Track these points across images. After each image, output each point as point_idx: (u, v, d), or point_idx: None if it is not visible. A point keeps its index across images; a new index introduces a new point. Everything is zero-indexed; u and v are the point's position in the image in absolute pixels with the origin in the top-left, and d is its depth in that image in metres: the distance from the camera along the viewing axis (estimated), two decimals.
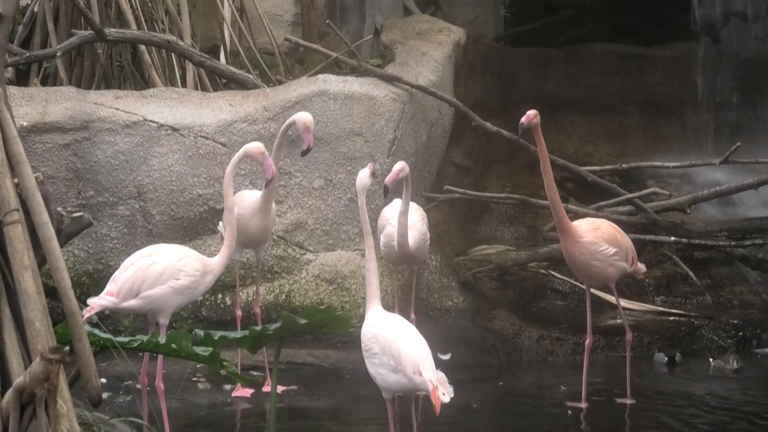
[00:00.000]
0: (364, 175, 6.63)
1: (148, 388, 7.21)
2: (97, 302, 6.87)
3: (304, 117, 7.98)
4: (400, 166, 7.44)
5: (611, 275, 8.28)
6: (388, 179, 7.27)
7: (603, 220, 8.59)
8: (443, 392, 5.88)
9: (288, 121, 8.07)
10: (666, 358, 9.76)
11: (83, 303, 8.36)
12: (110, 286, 6.95)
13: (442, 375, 6.01)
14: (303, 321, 5.61)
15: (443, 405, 5.89)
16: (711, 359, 9.25)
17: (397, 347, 6.06)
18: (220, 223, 8.60)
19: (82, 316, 5.13)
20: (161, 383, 6.98)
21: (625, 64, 13.20)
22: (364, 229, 6.62)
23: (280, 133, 8.14)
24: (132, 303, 6.90)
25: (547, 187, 7.95)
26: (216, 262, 7.03)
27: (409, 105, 9.82)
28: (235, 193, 7.68)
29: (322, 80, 9.64)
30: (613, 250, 8.19)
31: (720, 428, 7.99)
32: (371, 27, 11.84)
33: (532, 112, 7.83)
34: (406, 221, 7.97)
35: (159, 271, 6.87)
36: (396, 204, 8.40)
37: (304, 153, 8.15)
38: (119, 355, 5.45)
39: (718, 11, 13.54)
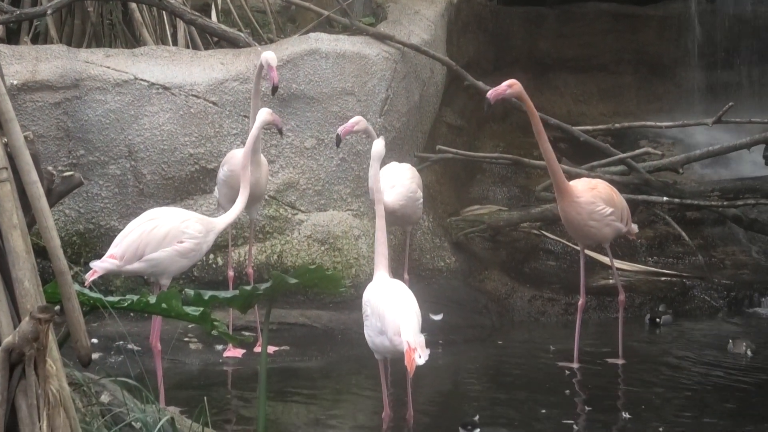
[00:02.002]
0: (380, 146, 6.65)
1: (140, 349, 7.20)
2: (100, 265, 6.88)
3: (266, 54, 8.16)
4: (355, 119, 7.40)
5: (607, 235, 8.27)
6: (342, 129, 7.18)
7: (599, 180, 8.57)
8: (419, 354, 5.91)
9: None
10: (649, 319, 9.78)
11: (74, 263, 8.37)
12: (113, 249, 6.96)
13: (421, 339, 6.04)
14: (293, 281, 5.58)
15: (430, 367, 5.96)
16: (730, 340, 9.04)
17: (384, 310, 6.15)
18: (216, 188, 8.56)
19: (76, 277, 5.10)
20: (158, 344, 6.98)
21: (618, 23, 13.12)
22: (375, 198, 6.61)
23: (255, 80, 8.24)
24: (135, 266, 6.93)
25: (543, 149, 7.91)
26: (220, 221, 7.14)
27: (402, 64, 9.77)
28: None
29: (314, 39, 9.59)
30: (609, 210, 8.17)
31: (709, 387, 8.02)
32: None
33: (504, 84, 7.76)
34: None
35: (162, 234, 6.91)
36: (389, 166, 8.38)
37: (274, 90, 8.30)
38: (110, 315, 5.43)
39: None
